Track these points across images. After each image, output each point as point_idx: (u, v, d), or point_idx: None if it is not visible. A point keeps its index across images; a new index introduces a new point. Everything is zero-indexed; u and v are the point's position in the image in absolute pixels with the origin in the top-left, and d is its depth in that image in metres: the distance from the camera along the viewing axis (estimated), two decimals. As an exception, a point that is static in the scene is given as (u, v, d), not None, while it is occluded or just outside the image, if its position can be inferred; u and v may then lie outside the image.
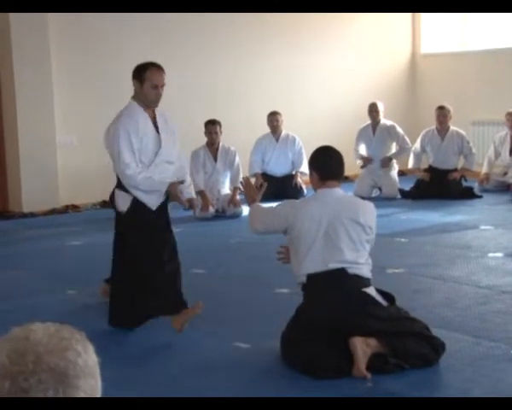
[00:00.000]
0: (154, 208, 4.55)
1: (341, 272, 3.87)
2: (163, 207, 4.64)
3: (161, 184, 4.53)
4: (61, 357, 1.20)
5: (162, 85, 4.50)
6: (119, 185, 4.59)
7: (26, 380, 1.16)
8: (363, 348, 3.67)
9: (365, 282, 3.91)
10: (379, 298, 3.92)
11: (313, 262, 3.90)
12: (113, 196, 4.67)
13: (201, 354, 4.12)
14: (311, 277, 3.91)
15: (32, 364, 1.18)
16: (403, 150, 9.49)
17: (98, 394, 1.24)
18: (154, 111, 4.58)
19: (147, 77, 4.45)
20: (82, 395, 1.19)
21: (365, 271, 3.93)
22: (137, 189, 4.48)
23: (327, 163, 4.04)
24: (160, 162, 4.58)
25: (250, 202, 4.31)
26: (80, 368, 1.20)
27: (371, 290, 3.92)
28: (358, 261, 3.90)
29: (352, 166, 8.94)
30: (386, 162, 9.39)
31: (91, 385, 1.22)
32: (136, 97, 4.55)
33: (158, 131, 4.57)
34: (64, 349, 1.21)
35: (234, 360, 4.04)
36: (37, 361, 1.18)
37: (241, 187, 4.62)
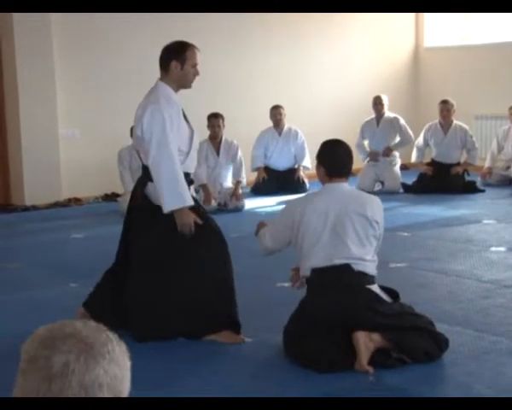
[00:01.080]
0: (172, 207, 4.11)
1: (346, 268, 3.85)
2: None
3: (182, 188, 4.11)
4: (93, 334, 1.27)
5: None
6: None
7: (53, 342, 1.24)
8: (366, 342, 3.66)
9: (369, 279, 3.89)
10: (383, 295, 3.91)
11: (318, 257, 3.88)
12: (140, 190, 4.27)
13: (203, 348, 4.12)
14: (315, 271, 3.89)
15: (63, 333, 1.26)
16: (404, 142, 9.48)
17: (123, 389, 1.28)
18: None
19: (188, 57, 4.24)
20: (101, 372, 1.24)
21: (370, 268, 3.91)
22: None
23: (335, 159, 4.00)
24: (193, 150, 4.33)
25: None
26: (107, 351, 1.26)
27: (375, 288, 3.90)
28: (364, 258, 3.88)
29: (354, 160, 8.93)
30: (387, 152, 9.39)
31: (115, 373, 1.26)
32: (167, 79, 4.22)
33: (185, 116, 4.33)
34: (99, 332, 1.29)
35: (236, 354, 4.04)
36: (71, 332, 1.26)
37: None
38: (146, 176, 4.24)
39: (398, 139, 9.47)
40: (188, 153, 4.27)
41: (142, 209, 4.28)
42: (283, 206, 4.21)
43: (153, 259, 4.23)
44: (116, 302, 4.26)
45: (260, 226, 4.30)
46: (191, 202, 4.17)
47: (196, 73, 4.30)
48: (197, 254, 4.22)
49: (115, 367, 1.25)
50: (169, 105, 4.16)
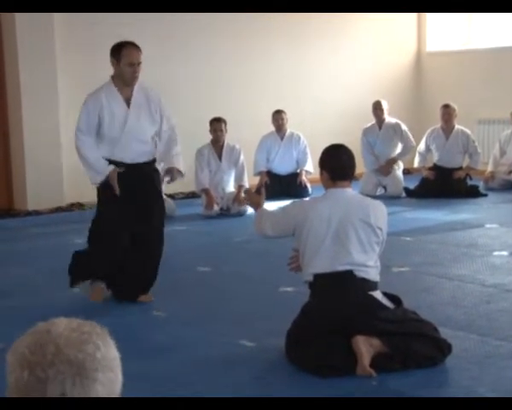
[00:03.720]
0: (92, 182, 4.88)
1: (349, 275, 3.84)
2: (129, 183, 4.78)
3: (95, 167, 4.79)
4: (80, 350, 1.22)
5: (138, 63, 4.65)
6: None
7: (44, 371, 1.19)
8: (366, 346, 3.66)
9: (372, 285, 3.88)
10: (385, 301, 3.90)
11: (321, 262, 3.87)
12: None
13: (206, 352, 4.11)
14: (318, 277, 3.89)
15: (50, 355, 1.20)
16: (407, 149, 9.46)
17: (117, 388, 1.26)
18: (131, 90, 4.73)
19: (123, 55, 4.61)
20: (99, 387, 1.21)
21: (373, 274, 3.90)
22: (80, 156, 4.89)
23: (337, 163, 3.99)
24: (127, 139, 4.73)
25: (255, 208, 4.27)
26: (98, 361, 1.22)
27: (377, 294, 3.89)
28: (367, 264, 3.87)
29: (357, 165, 8.92)
30: (391, 163, 9.38)
31: (110, 379, 1.23)
32: (114, 76, 4.76)
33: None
34: (83, 342, 1.23)
35: (239, 358, 4.04)
36: (56, 353, 1.20)
37: (245, 199, 4.60)
38: None
39: (399, 145, 9.46)
40: (116, 141, 4.74)
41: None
42: (288, 204, 4.19)
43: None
44: None
45: (251, 198, 4.34)
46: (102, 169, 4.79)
47: (134, 72, 4.64)
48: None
49: (109, 373, 1.24)
50: (95, 98, 4.76)
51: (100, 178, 4.75)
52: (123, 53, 4.62)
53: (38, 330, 1.25)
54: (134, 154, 4.79)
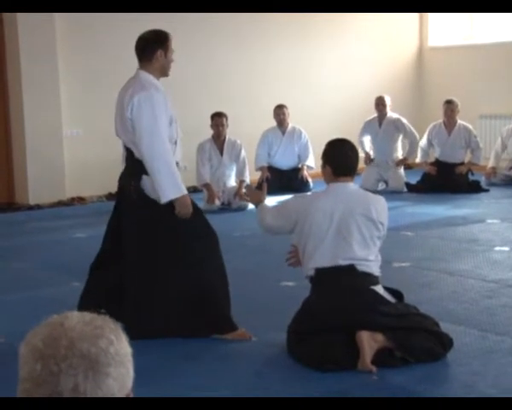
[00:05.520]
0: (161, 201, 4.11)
1: (351, 269, 3.85)
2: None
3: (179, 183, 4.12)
4: (93, 344, 1.22)
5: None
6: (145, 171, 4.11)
7: (57, 364, 1.19)
8: (369, 342, 3.66)
9: (374, 280, 3.89)
10: (387, 296, 3.90)
11: (323, 257, 3.87)
12: (133, 185, 4.18)
13: (207, 347, 4.11)
14: (319, 271, 3.89)
15: (64, 349, 1.20)
16: (414, 146, 9.45)
17: (129, 383, 1.26)
18: None
19: (169, 45, 4.23)
20: (111, 382, 1.22)
21: (374, 268, 3.90)
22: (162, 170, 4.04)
23: (342, 159, 3.98)
24: (179, 138, 4.32)
25: (256, 204, 4.25)
26: (111, 356, 1.23)
27: (379, 288, 3.89)
28: (368, 258, 3.88)
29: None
30: (401, 163, 9.40)
31: (122, 374, 1.24)
32: (150, 68, 4.19)
33: None
34: (97, 337, 1.23)
35: (240, 352, 4.04)
36: (70, 347, 1.21)
37: (246, 195, 4.46)
38: (140, 169, 4.15)
39: (401, 140, 9.46)
40: (176, 141, 4.26)
41: (137, 204, 4.21)
42: (289, 198, 4.20)
43: (152, 257, 4.22)
44: (110, 300, 4.19)
45: (251, 194, 4.30)
46: (186, 190, 4.20)
47: (172, 61, 4.30)
48: (196, 254, 4.24)
49: (121, 368, 1.24)
50: (158, 93, 4.13)
51: (180, 193, 4.19)
52: (169, 44, 4.21)
53: (52, 323, 1.25)
54: (181, 153, 4.50)
